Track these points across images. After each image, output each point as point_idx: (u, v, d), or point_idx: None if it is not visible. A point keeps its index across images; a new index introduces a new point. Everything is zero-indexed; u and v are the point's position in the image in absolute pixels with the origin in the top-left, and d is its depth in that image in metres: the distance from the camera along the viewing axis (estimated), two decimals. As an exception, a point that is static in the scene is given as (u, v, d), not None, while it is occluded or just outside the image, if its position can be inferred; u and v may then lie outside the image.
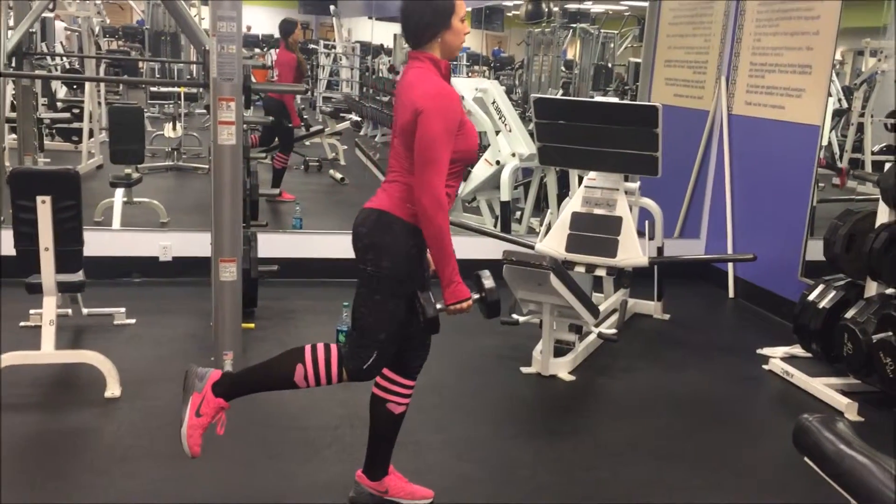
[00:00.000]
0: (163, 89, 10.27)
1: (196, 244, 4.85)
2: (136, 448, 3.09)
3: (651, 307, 5.12)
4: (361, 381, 2.56)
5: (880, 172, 4.05)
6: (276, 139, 7.73)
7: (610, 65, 9.89)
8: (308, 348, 2.52)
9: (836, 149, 6.05)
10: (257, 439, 3.20)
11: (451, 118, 2.40)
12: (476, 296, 2.53)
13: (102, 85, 9.29)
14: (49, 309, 3.53)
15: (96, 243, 4.42)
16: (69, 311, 4.23)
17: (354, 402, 3.46)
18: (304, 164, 9.16)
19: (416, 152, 2.38)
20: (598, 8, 10.84)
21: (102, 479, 2.86)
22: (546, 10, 10.27)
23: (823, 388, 3.92)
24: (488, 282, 2.54)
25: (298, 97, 9.58)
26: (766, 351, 4.46)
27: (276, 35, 13.33)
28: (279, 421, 3.37)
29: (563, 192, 5.90)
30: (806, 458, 1.61)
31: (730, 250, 5.66)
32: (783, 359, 4.27)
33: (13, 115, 6.71)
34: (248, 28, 13.51)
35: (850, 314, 3.84)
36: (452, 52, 2.50)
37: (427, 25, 2.45)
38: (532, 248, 4.52)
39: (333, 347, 2.53)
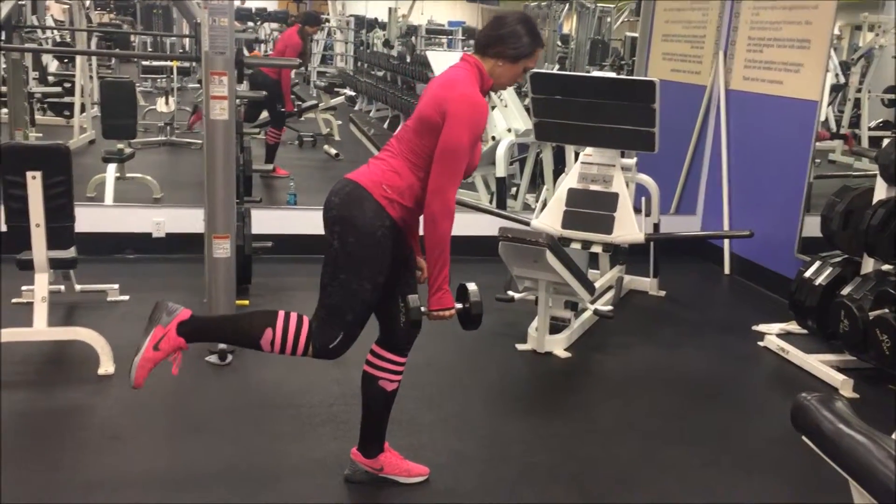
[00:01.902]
0: (155, 63, 10.18)
1: (189, 220, 4.82)
2: (130, 426, 3.07)
3: (647, 284, 5.11)
4: (328, 359, 2.55)
5: (878, 148, 4.02)
6: (268, 115, 7.67)
7: (607, 39, 9.81)
8: (282, 315, 2.50)
9: (832, 124, 6.02)
10: (252, 417, 3.19)
11: (477, 133, 2.44)
12: (459, 306, 2.56)
13: (94, 59, 9.21)
14: (41, 286, 3.50)
15: (89, 219, 4.39)
16: (62, 287, 4.21)
17: (349, 380, 3.45)
18: (299, 139, 9.10)
19: (437, 156, 2.40)
20: (594, -18, 10.73)
21: (95, 457, 2.85)
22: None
23: (819, 364, 3.92)
24: (474, 295, 2.56)
25: (293, 72, 9.49)
26: (761, 328, 4.46)
27: (270, 8, 13.20)
28: (274, 399, 3.36)
29: (560, 168, 5.86)
30: (804, 437, 1.60)
31: (726, 227, 5.65)
32: (779, 335, 4.27)
33: (3, 89, 6.64)
34: (242, 1, 13.38)
35: (846, 291, 3.84)
36: (498, 82, 2.54)
37: (505, 43, 2.47)
38: (528, 224, 4.49)
39: (306, 321, 2.50)
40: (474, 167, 2.54)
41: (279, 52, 7.94)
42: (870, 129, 6.06)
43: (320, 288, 2.51)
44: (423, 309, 2.48)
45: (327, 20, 13.61)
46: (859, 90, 6.10)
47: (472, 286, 2.58)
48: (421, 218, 2.50)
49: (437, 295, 2.48)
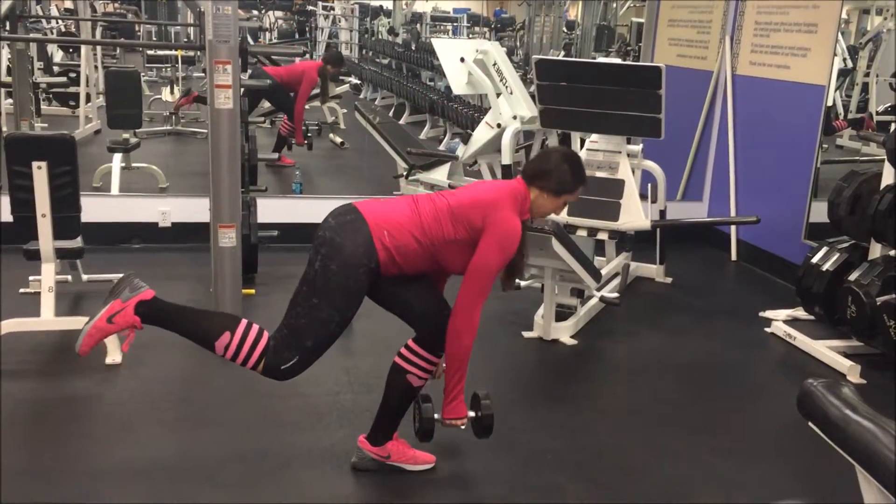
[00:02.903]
0: (160, 52, 10.16)
1: (195, 210, 4.82)
2: (138, 415, 3.09)
3: (653, 270, 5.10)
4: (276, 379, 2.55)
5: (886, 133, 4.00)
6: (275, 107, 7.64)
7: (612, 25, 9.76)
8: (243, 324, 2.50)
9: (840, 109, 5.99)
10: (259, 406, 3.20)
11: (509, 256, 2.55)
12: (472, 414, 2.69)
13: (99, 48, 9.19)
14: (48, 275, 3.51)
15: (95, 209, 4.39)
16: (69, 277, 4.22)
17: (356, 369, 3.46)
18: (304, 128, 9.08)
19: (469, 274, 2.50)
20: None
21: (103, 446, 2.87)
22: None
23: (826, 350, 3.91)
24: (486, 408, 2.68)
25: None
26: (768, 314, 4.44)
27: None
28: (280, 388, 3.34)
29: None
30: (810, 423, 1.60)
31: (733, 213, 5.63)
32: (786, 321, 4.26)
33: (9, 79, 6.64)
34: (246, -11, 13.33)
35: (853, 276, 3.82)
36: (537, 210, 2.67)
37: (550, 178, 2.62)
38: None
39: (265, 336, 2.51)
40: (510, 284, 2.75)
41: (297, 73, 7.75)
42: (878, 113, 6.02)
43: (289, 305, 2.52)
44: (436, 417, 2.61)
45: (332, 8, 13.57)
46: (867, 74, 6.05)
47: (483, 394, 2.70)
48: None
49: (453, 405, 2.59)
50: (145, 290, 2.50)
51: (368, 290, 2.54)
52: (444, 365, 2.63)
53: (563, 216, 4.34)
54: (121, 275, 4.28)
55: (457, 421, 2.62)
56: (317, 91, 9.41)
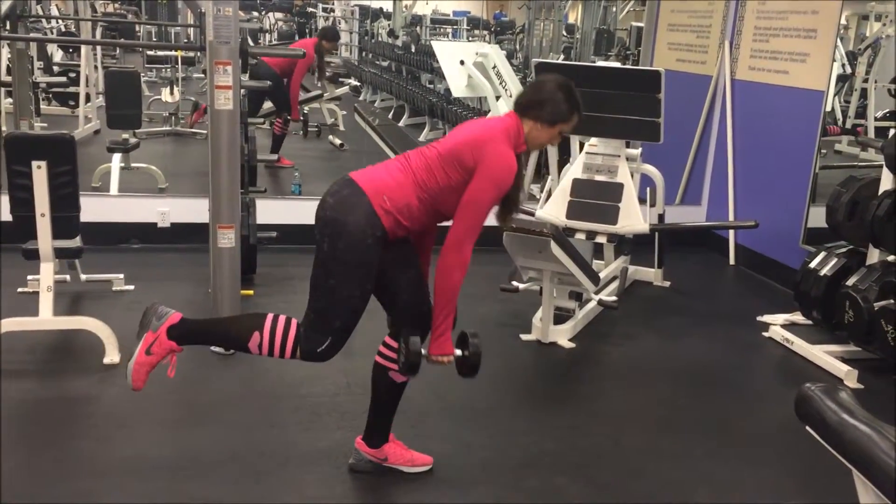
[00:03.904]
0: (160, 53, 10.16)
1: (194, 210, 4.83)
2: (136, 414, 3.09)
3: (651, 274, 5.11)
4: (316, 362, 2.56)
5: (884, 139, 4.01)
6: (272, 105, 7.64)
7: (612, 29, 9.78)
8: (269, 318, 2.51)
9: (839, 115, 6.00)
10: (257, 407, 3.20)
11: (504, 191, 2.50)
12: (459, 353, 2.61)
13: (99, 48, 9.20)
14: (46, 275, 3.51)
15: (94, 209, 4.39)
16: (67, 277, 4.22)
17: (354, 371, 3.46)
18: (303, 129, 9.09)
19: (461, 208, 2.45)
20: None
21: (101, 446, 2.87)
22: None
23: (824, 355, 3.91)
24: (474, 346, 2.61)
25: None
26: (766, 318, 4.45)
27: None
28: (279, 389, 3.37)
29: (564, 158, 5.85)
30: (808, 427, 1.60)
31: (731, 217, 5.63)
32: (784, 326, 4.27)
33: (8, 78, 6.64)
34: (246, -10, 13.34)
35: (851, 281, 3.83)
36: (532, 143, 2.61)
37: (544, 107, 2.55)
38: (532, 214, 4.49)
39: (294, 324, 2.51)
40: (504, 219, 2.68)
41: (291, 60, 7.83)
42: (876, 119, 6.04)
43: (310, 289, 2.51)
44: (423, 352, 2.53)
45: (332, 10, 13.59)
46: (866, 80, 6.07)
47: (473, 333, 2.62)
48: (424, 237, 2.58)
49: (439, 340, 2.54)
50: (171, 315, 2.52)
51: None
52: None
53: (562, 219, 4.35)
54: (119, 275, 4.31)
55: (442, 357, 2.56)
56: (317, 92, 9.43)
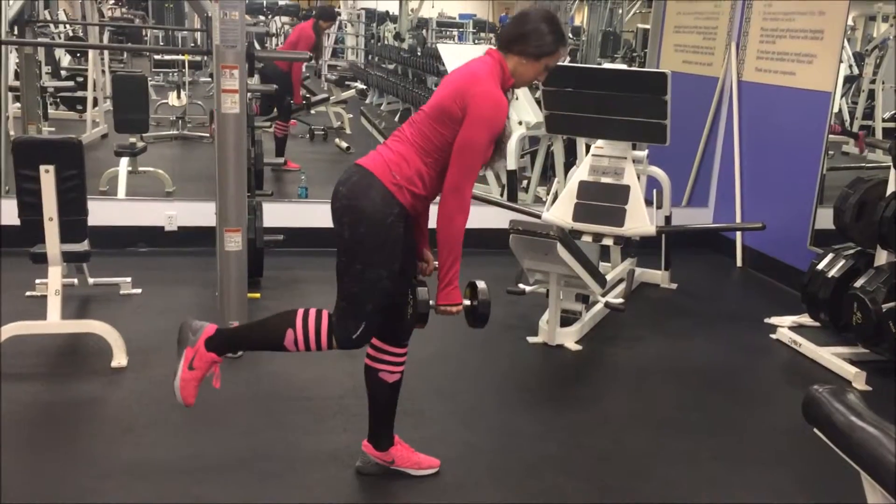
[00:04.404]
0: (167, 57, 10.21)
1: (201, 214, 4.84)
2: (143, 418, 3.09)
3: (658, 276, 5.10)
4: (353, 348, 2.55)
5: (892, 139, 3.99)
6: (275, 107, 7.68)
7: (618, 31, 9.77)
8: (300, 313, 2.50)
9: (846, 116, 5.98)
10: (264, 409, 3.21)
11: (496, 131, 2.44)
12: (468, 303, 2.57)
13: (106, 53, 9.24)
14: (54, 279, 3.52)
15: (101, 213, 4.40)
16: (75, 280, 4.23)
17: (360, 373, 3.44)
18: (310, 132, 9.11)
19: (455, 152, 2.40)
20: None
21: (109, 449, 2.87)
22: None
23: (831, 357, 3.90)
24: (482, 294, 2.57)
25: (304, 65, 9.50)
26: (774, 320, 4.44)
27: (282, 2, 13.22)
28: (285, 391, 3.37)
29: (571, 160, 5.85)
30: (815, 430, 1.60)
31: (738, 219, 5.62)
32: (791, 328, 4.26)
33: (16, 83, 6.68)
34: (253, -5, 13.39)
35: (859, 283, 3.81)
36: (519, 80, 2.54)
37: (529, 41, 2.47)
38: (539, 217, 4.49)
39: (325, 315, 2.51)
40: (484, 162, 2.53)
41: (291, 43, 7.94)
42: (884, 120, 6.02)
43: (337, 279, 2.51)
44: (431, 303, 2.49)
45: (338, 13, 13.62)
46: (873, 81, 6.05)
47: (481, 284, 2.58)
48: (432, 209, 2.50)
49: (447, 290, 2.48)
50: (206, 327, 2.53)
51: None
52: (435, 263, 2.59)
53: (568, 222, 4.34)
54: (126, 279, 4.32)
55: (451, 307, 2.50)
56: (324, 96, 9.46)
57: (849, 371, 3.76)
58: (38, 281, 4.12)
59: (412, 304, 2.51)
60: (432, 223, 2.54)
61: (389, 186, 2.41)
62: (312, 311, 2.51)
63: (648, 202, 4.57)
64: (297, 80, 7.70)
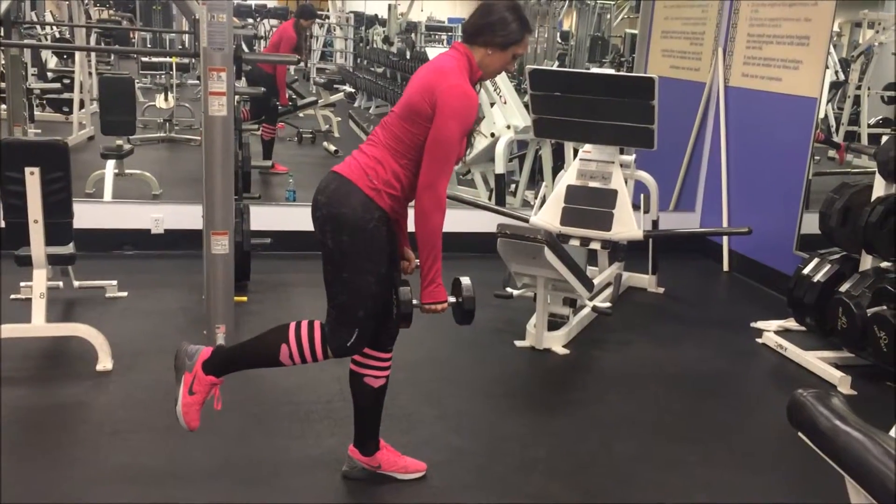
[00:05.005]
0: (154, 59, 10.16)
1: (188, 216, 4.81)
2: (128, 421, 3.07)
3: (645, 281, 5.11)
4: (348, 356, 2.56)
5: (877, 145, 4.02)
6: (261, 111, 7.66)
7: (606, 36, 9.80)
8: (292, 327, 2.50)
9: (832, 121, 6.01)
10: (250, 414, 3.19)
11: (467, 124, 2.42)
12: (452, 300, 2.56)
13: (93, 55, 9.20)
14: (39, 282, 3.50)
15: (87, 215, 4.39)
16: (60, 283, 4.20)
17: (347, 377, 3.45)
18: (298, 135, 9.09)
19: (428, 149, 2.38)
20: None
21: (94, 453, 2.85)
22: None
23: (817, 361, 3.92)
24: (467, 290, 2.56)
25: (291, 68, 9.49)
26: (760, 324, 4.45)
27: (269, 4, 13.20)
28: (272, 395, 3.36)
29: (559, 164, 5.87)
30: (800, 433, 1.60)
31: (725, 223, 5.64)
32: (777, 332, 4.27)
33: (2, 85, 6.64)
34: (242, -3, 13.36)
35: (844, 288, 3.84)
36: (487, 71, 2.52)
37: (494, 31, 2.45)
38: (527, 221, 4.49)
39: (317, 326, 2.51)
40: (459, 158, 2.52)
41: (273, 44, 7.93)
42: (869, 126, 6.05)
43: (326, 287, 2.50)
44: (415, 302, 2.47)
45: (327, 17, 13.61)
46: (859, 87, 6.09)
47: (465, 280, 2.58)
48: (409, 210, 2.50)
49: (430, 288, 2.47)
50: (202, 351, 2.53)
51: None
52: (416, 262, 2.57)
53: (556, 226, 4.35)
54: (112, 282, 4.30)
55: (436, 305, 2.49)
56: (312, 99, 9.45)
57: (834, 375, 3.78)
58: (22, 284, 4.09)
59: (395, 304, 2.49)
60: (411, 223, 2.53)
61: (368, 192, 2.41)
62: (304, 324, 2.51)
63: (636, 206, 4.59)
64: (283, 81, 7.69)
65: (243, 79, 7.14)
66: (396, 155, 2.44)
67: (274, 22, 13.57)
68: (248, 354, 2.60)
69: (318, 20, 13.07)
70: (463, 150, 2.51)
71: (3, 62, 6.78)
